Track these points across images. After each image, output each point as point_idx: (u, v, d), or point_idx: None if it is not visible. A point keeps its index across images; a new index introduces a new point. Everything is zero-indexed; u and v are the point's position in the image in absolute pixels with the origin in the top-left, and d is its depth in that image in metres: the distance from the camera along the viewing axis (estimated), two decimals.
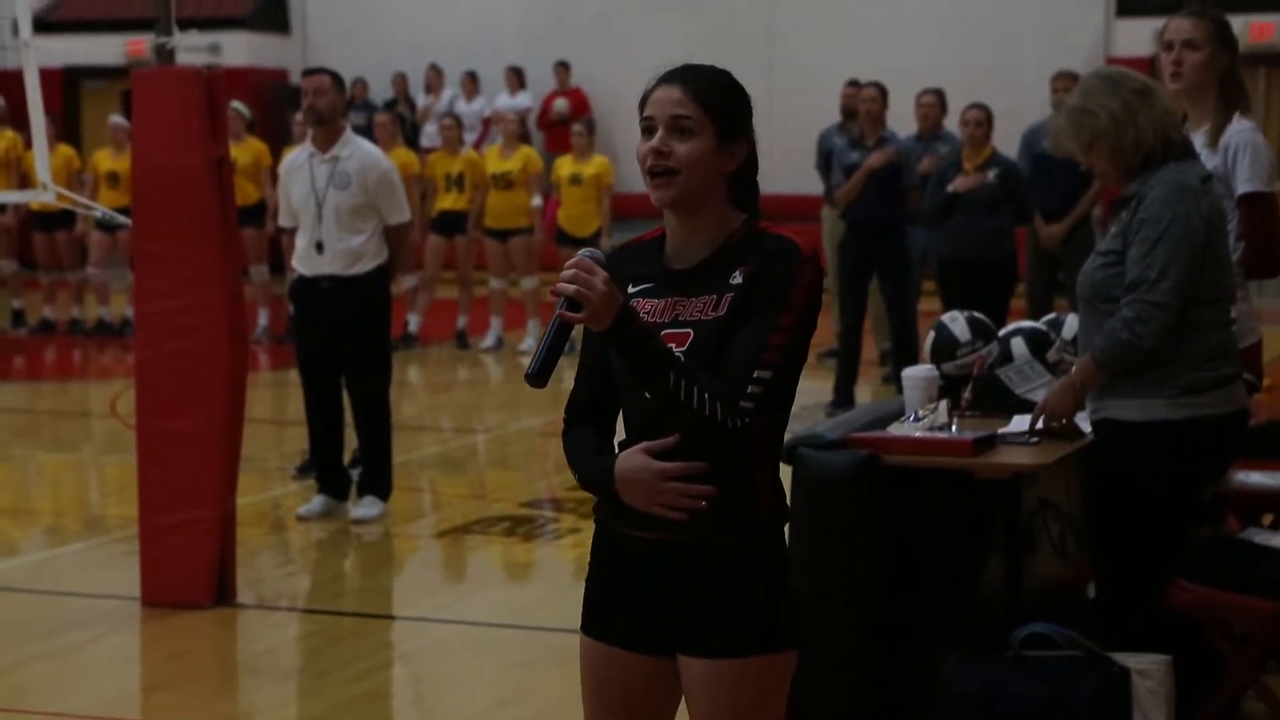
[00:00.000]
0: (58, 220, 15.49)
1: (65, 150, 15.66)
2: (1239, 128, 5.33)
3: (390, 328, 8.45)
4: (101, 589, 7.21)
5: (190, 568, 6.77)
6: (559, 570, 7.78)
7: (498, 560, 7.95)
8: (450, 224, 14.56)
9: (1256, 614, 4.73)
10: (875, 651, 4.80)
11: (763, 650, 3.13)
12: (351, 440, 8.56)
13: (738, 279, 3.09)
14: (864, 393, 11.62)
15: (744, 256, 3.11)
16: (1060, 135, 4.80)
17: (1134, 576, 4.74)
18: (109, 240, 15.28)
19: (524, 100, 20.32)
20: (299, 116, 13.74)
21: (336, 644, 6.50)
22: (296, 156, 8.40)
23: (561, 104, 20.24)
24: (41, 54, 7.27)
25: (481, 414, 12.33)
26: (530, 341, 14.33)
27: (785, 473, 4.86)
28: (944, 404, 5.00)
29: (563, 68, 20.49)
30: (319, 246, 8.13)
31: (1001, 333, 5.73)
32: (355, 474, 8.52)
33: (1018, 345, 5.64)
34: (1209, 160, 5.19)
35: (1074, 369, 4.82)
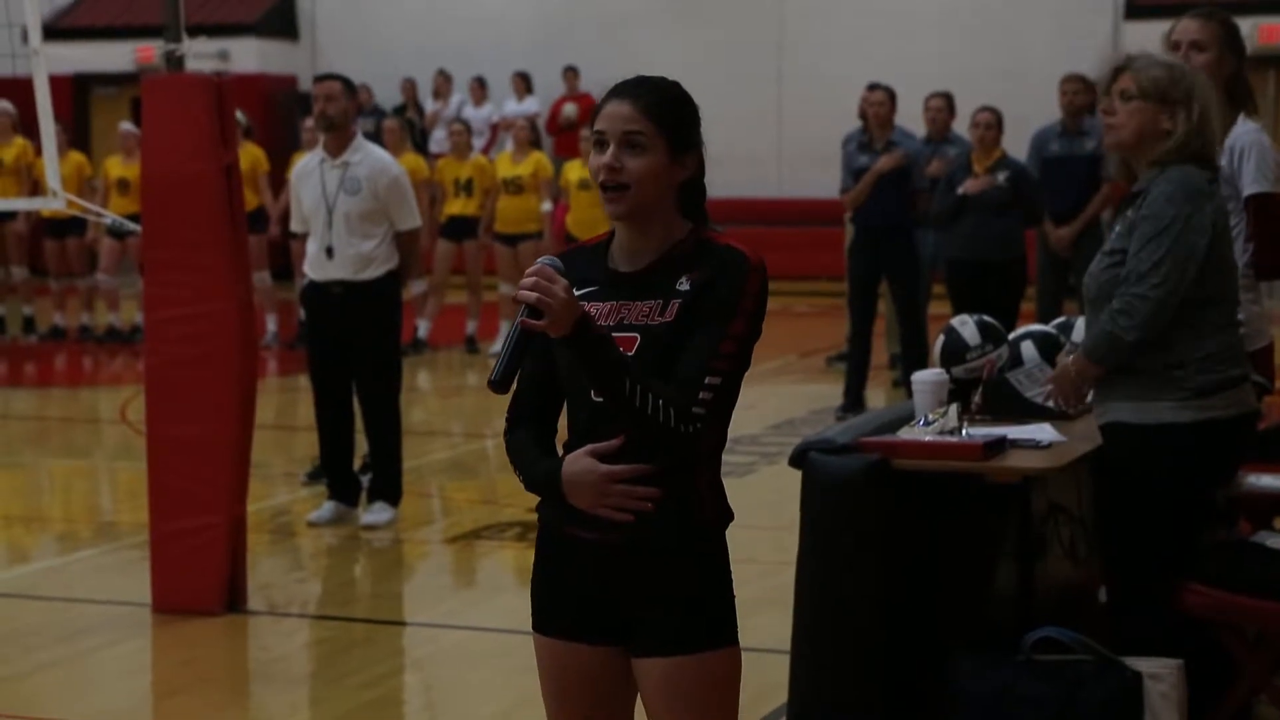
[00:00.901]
0: (68, 227, 15.51)
1: (76, 157, 15.69)
2: (1245, 129, 5.32)
3: (400, 333, 8.46)
4: (112, 595, 7.22)
5: (201, 574, 6.77)
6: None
7: (508, 566, 7.95)
8: (459, 229, 14.57)
9: (1269, 617, 4.72)
10: (886, 656, 4.79)
11: (712, 646, 3.22)
12: (362, 446, 8.56)
13: (685, 285, 3.17)
14: (874, 397, 11.61)
15: (690, 263, 3.19)
16: (1152, 68, 4.64)
17: (1144, 580, 4.72)
18: (119, 247, 15.30)
19: (532, 105, 20.33)
20: (308, 122, 13.78)
21: (347, 650, 6.50)
22: (308, 162, 8.41)
23: (570, 109, 20.25)
24: (52, 61, 7.27)
25: (491, 419, 12.31)
26: None
27: (795, 477, 4.88)
28: (954, 408, 4.99)
29: (571, 73, 20.50)
30: (329, 252, 8.14)
31: (1011, 336, 5.72)
32: (365, 480, 8.53)
33: (1028, 349, 5.62)
34: None
35: (1071, 359, 4.82)
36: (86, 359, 15.30)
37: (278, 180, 15.20)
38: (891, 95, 11.35)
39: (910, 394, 5.37)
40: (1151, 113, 4.62)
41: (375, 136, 13.61)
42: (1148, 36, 18.66)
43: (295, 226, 8.54)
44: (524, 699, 5.89)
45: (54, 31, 19.47)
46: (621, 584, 3.23)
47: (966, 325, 5.60)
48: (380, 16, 21.62)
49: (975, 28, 19.50)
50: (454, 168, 14.69)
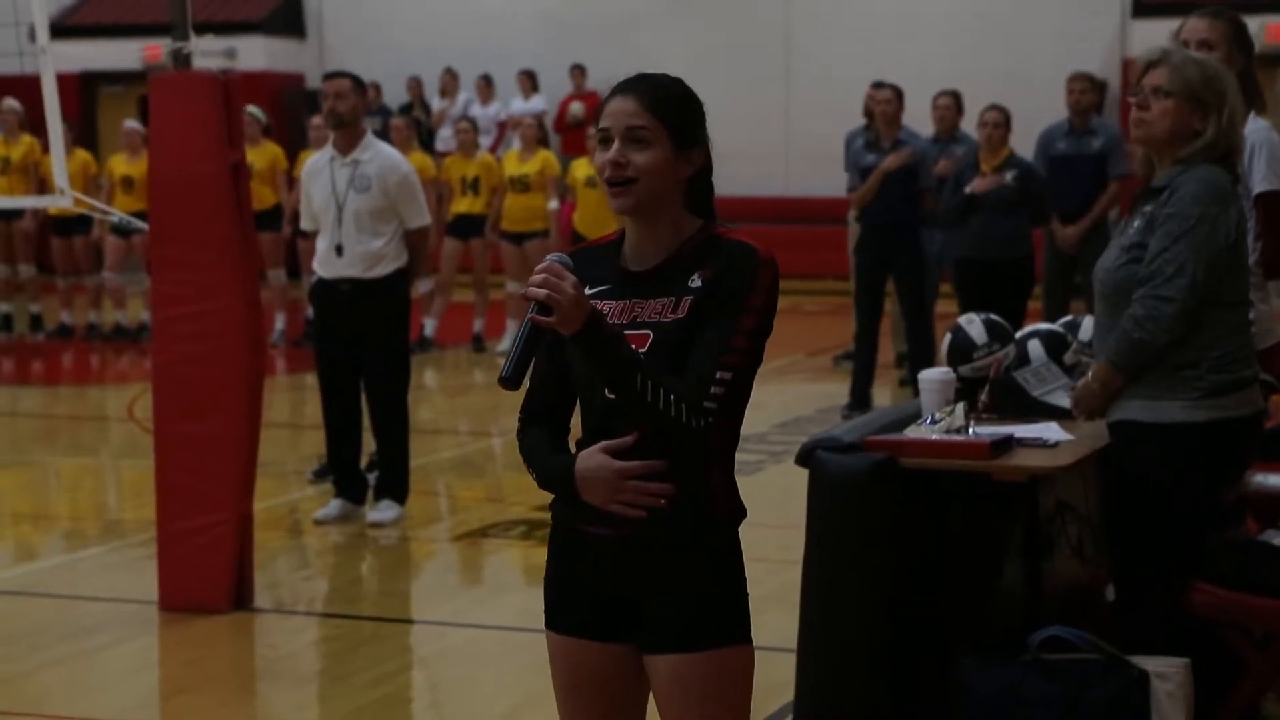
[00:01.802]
0: (75, 225, 15.53)
1: (82, 155, 15.70)
2: (1255, 127, 5.32)
3: (409, 331, 8.47)
4: (119, 593, 7.23)
5: (208, 572, 6.78)
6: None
7: (515, 564, 7.95)
8: (466, 227, 14.58)
9: (1276, 616, 4.72)
10: (892, 654, 4.79)
11: (725, 643, 3.22)
12: (369, 444, 8.57)
13: (696, 282, 3.18)
14: (881, 395, 11.60)
15: (702, 260, 3.19)
16: (1188, 66, 4.63)
17: (1152, 579, 4.72)
18: (125, 245, 15.32)
19: (538, 104, 20.33)
20: (316, 120, 13.79)
21: (354, 648, 6.51)
22: (317, 160, 8.42)
23: (577, 107, 20.25)
24: (59, 59, 7.28)
25: (498, 417, 12.32)
26: None
27: (802, 476, 4.88)
28: (961, 406, 4.99)
29: (578, 71, 20.50)
30: (339, 249, 8.15)
31: (1018, 335, 5.71)
32: (372, 478, 8.53)
33: (1034, 347, 5.62)
34: None
35: (1092, 373, 4.79)
36: (94, 357, 15.32)
37: (287, 178, 15.19)
38: (899, 94, 11.34)
39: (917, 392, 5.37)
40: (1184, 112, 4.62)
41: (382, 135, 13.61)
42: (1154, 35, 18.69)
43: (305, 224, 8.55)
44: (531, 697, 5.89)
45: (61, 30, 19.48)
46: (634, 580, 3.23)
47: (973, 324, 5.60)
48: (387, 15, 21.63)
49: (982, 27, 19.50)
50: (461, 166, 14.69)
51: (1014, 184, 10.54)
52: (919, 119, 12.55)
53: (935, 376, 5.24)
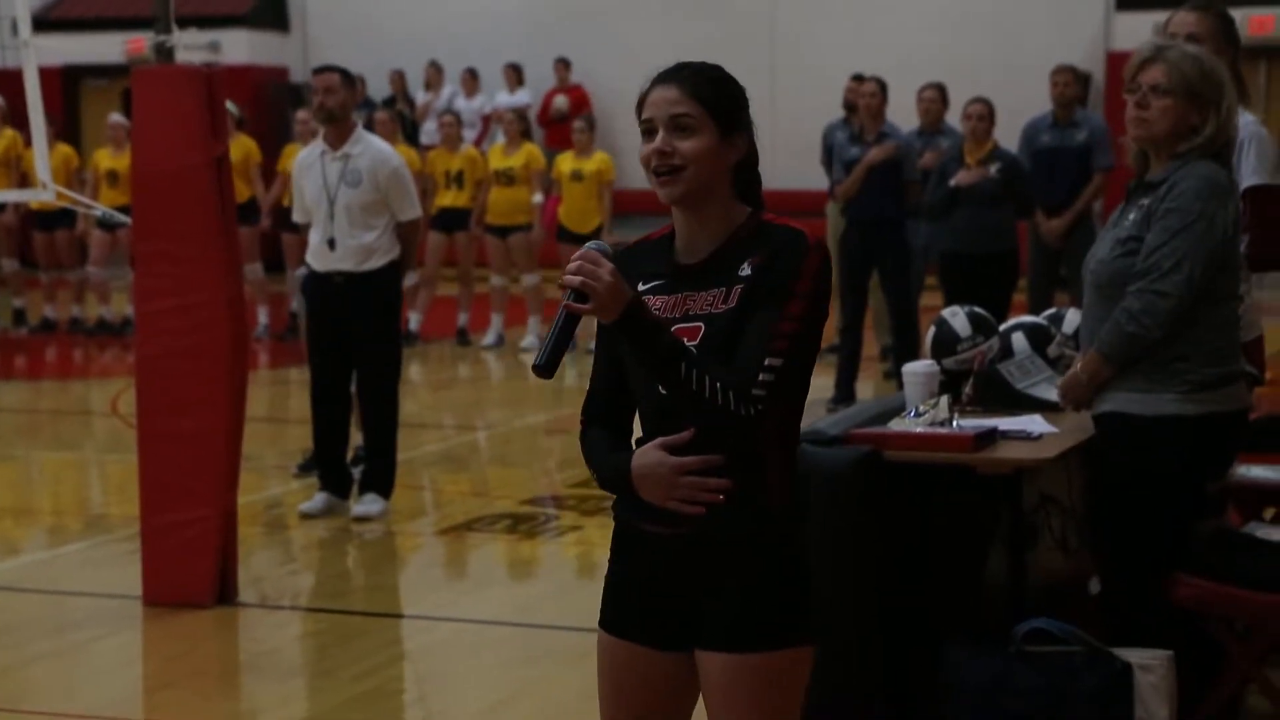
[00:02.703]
0: (58, 219, 15.49)
1: (65, 149, 15.66)
2: (1244, 121, 5.32)
3: (400, 323, 8.47)
4: (103, 588, 7.21)
5: (192, 566, 6.77)
6: (561, 567, 7.78)
7: (500, 558, 7.95)
8: (450, 221, 14.57)
9: (1259, 608, 4.73)
10: (878, 647, 4.79)
11: (781, 645, 3.14)
12: (354, 438, 8.56)
13: (746, 270, 3.12)
14: (865, 388, 11.62)
15: (751, 248, 3.13)
16: (1185, 62, 4.62)
17: (1138, 571, 4.72)
18: (109, 239, 15.29)
19: (523, 97, 20.32)
20: (302, 114, 13.77)
21: (339, 642, 6.50)
22: (308, 154, 8.41)
23: (561, 101, 20.24)
24: (41, 53, 7.26)
25: (483, 411, 12.33)
26: (531, 339, 14.34)
27: None
28: (945, 399, 4.99)
29: (563, 64, 20.48)
30: (331, 243, 8.15)
31: (1002, 328, 5.72)
32: (357, 472, 8.53)
33: (1018, 340, 5.63)
34: None
35: (1080, 364, 4.79)
36: (77, 351, 15.29)
37: (268, 172, 15.18)
38: (883, 87, 11.34)
39: (901, 385, 5.38)
40: (1184, 109, 4.62)
41: (367, 128, 13.60)
42: (1138, 28, 18.65)
43: (297, 218, 8.53)
44: (517, 690, 5.89)
45: (44, 23, 19.41)
46: (690, 578, 3.16)
47: (957, 317, 5.61)
48: (371, 8, 21.60)
49: (966, 20, 19.52)
50: (445, 159, 14.68)
51: (998, 176, 10.55)
52: (904, 111, 12.55)
53: (919, 369, 5.25)
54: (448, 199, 14.58)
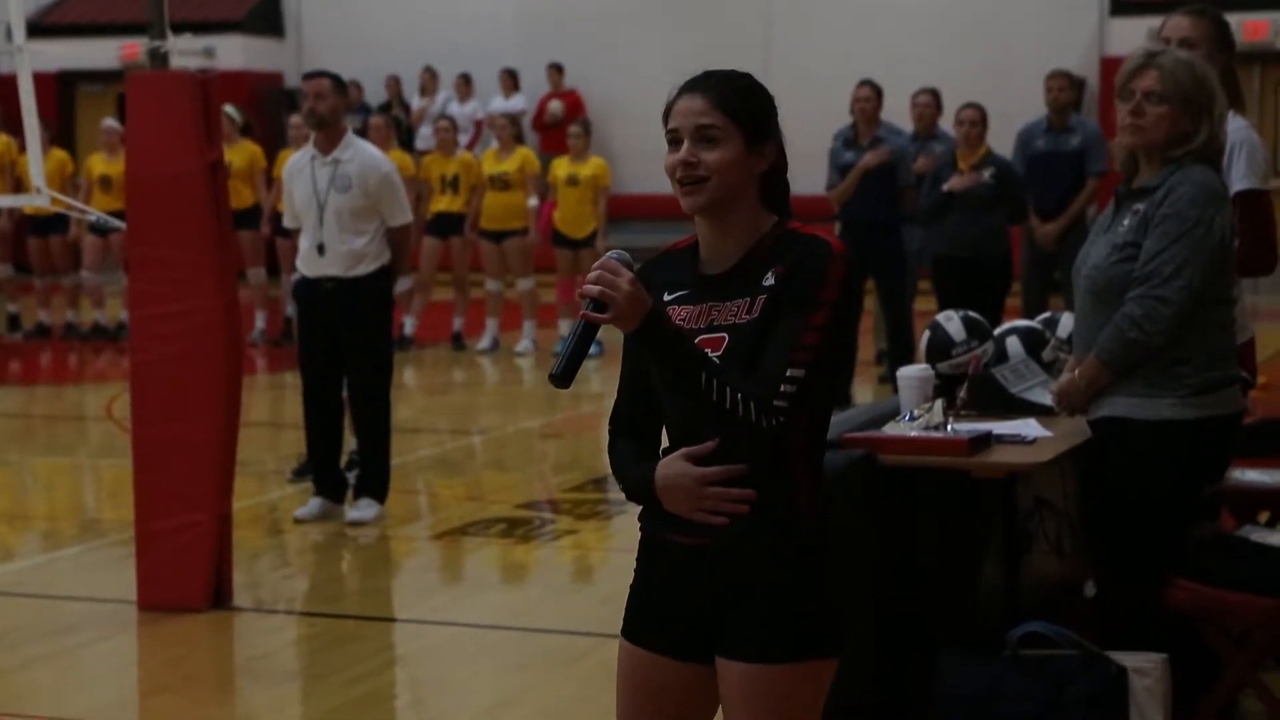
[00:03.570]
0: (52, 224, 15.49)
1: (59, 154, 15.66)
2: (1236, 125, 5.33)
3: (392, 328, 8.47)
4: (98, 593, 7.21)
5: (187, 571, 6.76)
6: (556, 572, 7.78)
7: (495, 562, 7.95)
8: (445, 226, 14.57)
9: (1254, 612, 4.73)
10: (872, 652, 4.79)
11: (803, 657, 3.12)
12: (348, 443, 8.56)
13: (770, 280, 3.10)
14: (860, 392, 11.62)
15: (776, 257, 3.11)
16: (1179, 69, 4.63)
17: (1135, 575, 4.72)
18: (103, 244, 15.28)
19: (518, 102, 20.32)
20: (295, 119, 13.77)
21: (334, 647, 6.50)
22: (299, 159, 8.41)
23: (556, 106, 20.24)
24: (36, 58, 7.26)
25: (478, 416, 12.32)
26: (526, 343, 14.34)
27: None
28: (939, 403, 5.00)
29: (557, 70, 20.49)
30: (320, 248, 8.15)
31: (997, 332, 5.73)
32: (352, 476, 8.53)
33: (1013, 344, 5.64)
34: None
35: (1079, 370, 4.78)
36: (72, 356, 15.28)
37: (266, 177, 15.17)
38: (878, 91, 11.36)
39: (896, 389, 5.38)
40: (1178, 115, 4.63)
41: (361, 134, 13.60)
42: (1133, 33, 18.66)
43: (288, 223, 8.55)
44: (510, 695, 5.89)
45: (38, 29, 19.43)
46: (714, 588, 3.14)
47: (952, 321, 5.61)
48: (366, 13, 21.61)
49: (961, 25, 19.53)
50: (440, 164, 14.68)
51: (991, 181, 10.56)
52: (898, 116, 12.56)
53: (914, 373, 5.25)
54: (443, 204, 14.58)
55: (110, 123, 15.45)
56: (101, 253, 15.42)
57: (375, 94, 20.89)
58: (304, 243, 8.26)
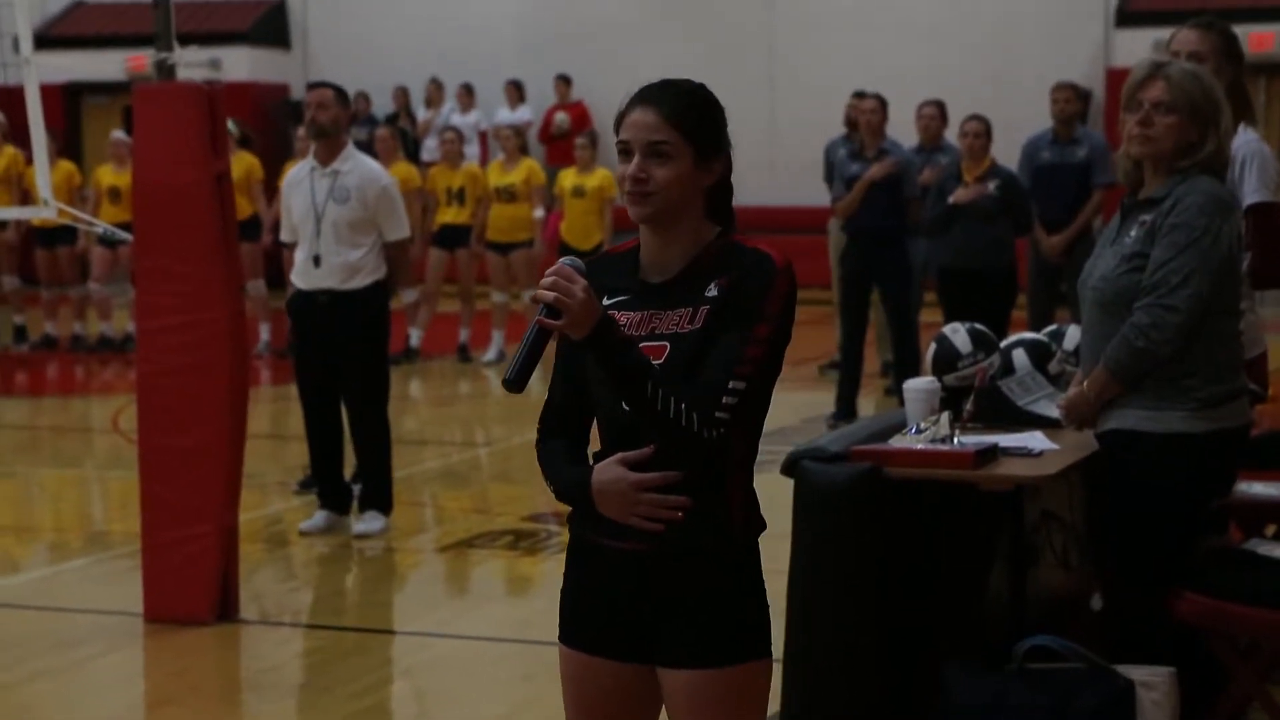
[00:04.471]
0: (59, 236, 15.50)
1: (65, 166, 15.66)
2: (1245, 138, 5.33)
3: (388, 343, 8.44)
4: (104, 605, 7.21)
5: (193, 583, 6.76)
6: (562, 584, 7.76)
7: (500, 574, 7.95)
8: (451, 237, 14.58)
9: (1261, 625, 4.72)
10: (878, 664, 4.79)
11: (744, 659, 3.17)
12: (352, 455, 8.56)
13: (713, 291, 3.14)
14: (866, 405, 11.61)
15: (718, 268, 3.15)
16: (1187, 80, 4.64)
17: (1144, 587, 4.72)
18: (110, 255, 15.30)
19: (524, 114, 20.34)
20: (301, 131, 13.78)
21: (339, 659, 6.49)
22: (298, 171, 8.41)
23: (562, 117, 20.26)
24: (43, 70, 7.27)
25: (484, 427, 12.32)
26: None
27: (787, 485, 4.88)
28: (946, 416, 4.99)
29: (563, 81, 20.51)
30: (316, 260, 8.13)
31: (1003, 344, 5.72)
32: (357, 489, 8.52)
33: (1019, 357, 5.63)
34: None
35: (1087, 382, 4.77)
36: (78, 368, 15.28)
37: (270, 188, 15.19)
38: (883, 103, 11.36)
39: (902, 402, 5.38)
40: (1186, 126, 4.64)
41: (368, 145, 13.62)
42: (1138, 45, 18.64)
43: (285, 236, 8.53)
44: (516, 708, 5.89)
45: (45, 40, 19.44)
46: (650, 594, 3.18)
47: (958, 333, 5.61)
48: (372, 25, 21.62)
49: (966, 36, 19.53)
50: (446, 176, 14.69)
51: (996, 193, 10.56)
52: (903, 128, 12.57)
53: (920, 386, 5.24)
54: (449, 215, 14.59)
55: (119, 135, 15.46)
56: (109, 264, 15.44)
57: (382, 106, 20.90)
58: (300, 255, 8.24)
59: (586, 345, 3.04)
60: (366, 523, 8.32)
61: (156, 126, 6.78)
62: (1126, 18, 19.25)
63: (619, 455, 3.14)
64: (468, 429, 12.18)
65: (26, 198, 14.58)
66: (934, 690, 4.72)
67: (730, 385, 3.07)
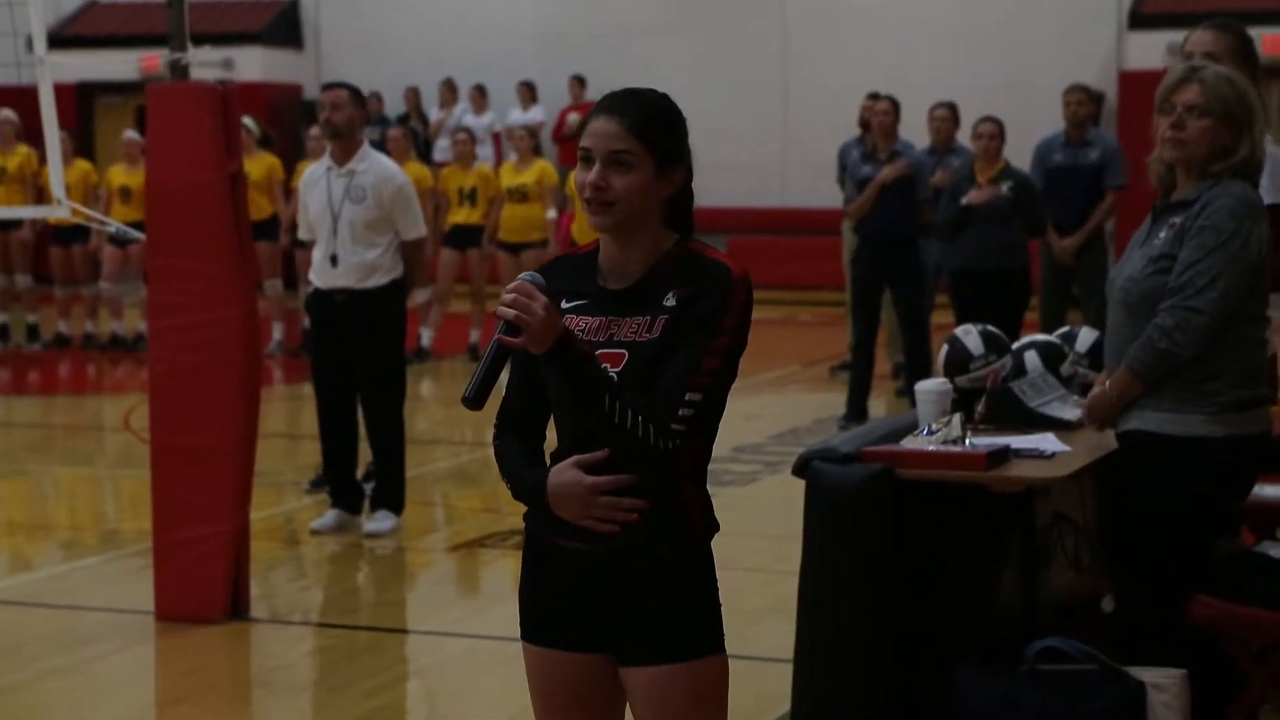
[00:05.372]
0: (74, 234, 15.52)
1: (82, 165, 15.70)
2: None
3: (404, 342, 8.46)
4: (116, 604, 7.22)
5: (204, 582, 6.77)
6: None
7: (512, 574, 7.93)
8: (463, 238, 14.59)
9: (1274, 627, 4.72)
10: (889, 665, 4.78)
11: (700, 654, 3.23)
12: (365, 454, 8.56)
13: (671, 301, 3.19)
14: (877, 406, 11.60)
15: (677, 278, 3.20)
16: (1221, 84, 4.63)
17: (1159, 590, 4.71)
18: (122, 254, 15.31)
19: (537, 114, 20.35)
20: (314, 131, 13.81)
21: (351, 659, 6.50)
22: (315, 170, 8.44)
23: (575, 118, 20.24)
24: (56, 70, 7.27)
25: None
26: None
27: (799, 486, 4.88)
28: (957, 417, 4.98)
29: (577, 82, 20.52)
30: (334, 259, 8.16)
31: (1015, 346, 5.72)
32: (369, 488, 8.53)
33: (1031, 358, 5.62)
34: None
35: (1110, 381, 4.76)
36: (90, 367, 15.31)
37: (285, 188, 15.20)
38: (895, 105, 11.36)
39: (914, 403, 5.37)
40: (1220, 130, 4.62)
41: (380, 145, 13.62)
42: (1151, 47, 18.59)
43: (302, 235, 8.56)
44: (527, 708, 5.87)
45: (58, 40, 19.49)
46: (608, 594, 3.24)
47: (970, 335, 5.60)
48: (385, 25, 21.65)
49: (979, 38, 19.52)
50: (458, 177, 14.70)
51: (1009, 195, 10.55)
52: (916, 130, 12.56)
53: (932, 387, 5.24)
54: (461, 216, 14.61)
55: (131, 134, 15.48)
56: (121, 263, 15.46)
57: (394, 106, 20.92)
58: (317, 254, 8.27)
59: (546, 360, 3.09)
60: (378, 522, 8.33)
61: (170, 126, 6.79)
62: (1139, 20, 19.22)
63: (574, 458, 3.19)
64: (479, 429, 12.17)
65: (41, 196, 14.62)
66: (945, 691, 4.71)
67: (687, 397, 3.13)
